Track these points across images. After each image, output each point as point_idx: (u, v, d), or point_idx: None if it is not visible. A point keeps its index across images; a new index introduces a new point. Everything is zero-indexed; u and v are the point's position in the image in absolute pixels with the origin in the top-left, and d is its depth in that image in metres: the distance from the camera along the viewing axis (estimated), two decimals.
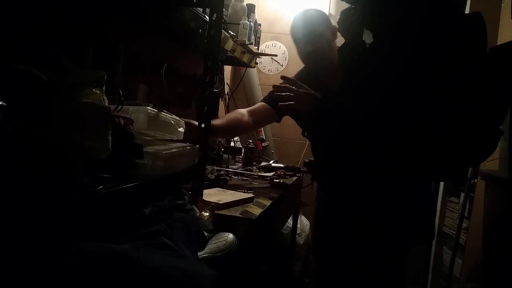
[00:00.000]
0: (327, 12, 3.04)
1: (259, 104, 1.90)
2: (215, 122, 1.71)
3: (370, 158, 1.19)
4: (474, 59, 1.04)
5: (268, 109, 1.85)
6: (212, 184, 1.86)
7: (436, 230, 2.31)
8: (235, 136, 2.43)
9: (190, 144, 1.37)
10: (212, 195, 1.61)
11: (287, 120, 1.89)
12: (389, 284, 1.25)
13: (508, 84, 1.06)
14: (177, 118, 1.28)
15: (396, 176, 1.19)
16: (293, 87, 1.40)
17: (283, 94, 1.40)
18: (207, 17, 1.51)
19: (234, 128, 1.86)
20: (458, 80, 1.03)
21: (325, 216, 1.93)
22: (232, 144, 2.71)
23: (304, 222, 2.87)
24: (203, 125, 1.42)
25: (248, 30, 2.13)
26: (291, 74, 1.72)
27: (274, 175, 2.39)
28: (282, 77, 1.51)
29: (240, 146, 2.74)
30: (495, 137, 1.09)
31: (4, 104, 0.65)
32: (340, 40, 1.35)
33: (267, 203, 1.69)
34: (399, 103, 1.06)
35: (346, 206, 1.31)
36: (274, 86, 1.49)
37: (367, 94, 1.13)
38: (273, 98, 1.76)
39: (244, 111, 1.87)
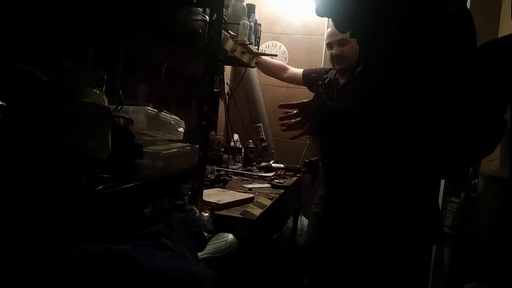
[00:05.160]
0: None
1: (299, 73, 2.52)
2: (271, 60, 2.66)
3: (375, 160, 1.16)
4: (467, 53, 1.03)
5: (300, 82, 2.52)
6: (212, 184, 1.86)
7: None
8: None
9: (190, 144, 1.36)
10: (212, 195, 1.61)
11: None
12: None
13: (506, 77, 1.04)
14: (177, 118, 1.28)
15: (405, 178, 1.15)
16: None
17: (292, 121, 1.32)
18: (207, 17, 1.51)
19: (273, 73, 2.69)
20: (452, 75, 1.02)
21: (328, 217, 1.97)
22: (232, 144, 2.71)
23: (304, 222, 2.86)
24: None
25: (248, 30, 2.12)
26: None
27: (274, 175, 2.39)
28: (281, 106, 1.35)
29: (240, 146, 2.73)
30: (496, 129, 1.07)
31: (4, 104, 0.65)
32: None
33: (267, 203, 1.69)
34: (400, 102, 1.05)
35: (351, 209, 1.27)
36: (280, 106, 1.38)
37: (368, 96, 1.12)
38: (310, 78, 2.44)
39: (288, 68, 2.64)
